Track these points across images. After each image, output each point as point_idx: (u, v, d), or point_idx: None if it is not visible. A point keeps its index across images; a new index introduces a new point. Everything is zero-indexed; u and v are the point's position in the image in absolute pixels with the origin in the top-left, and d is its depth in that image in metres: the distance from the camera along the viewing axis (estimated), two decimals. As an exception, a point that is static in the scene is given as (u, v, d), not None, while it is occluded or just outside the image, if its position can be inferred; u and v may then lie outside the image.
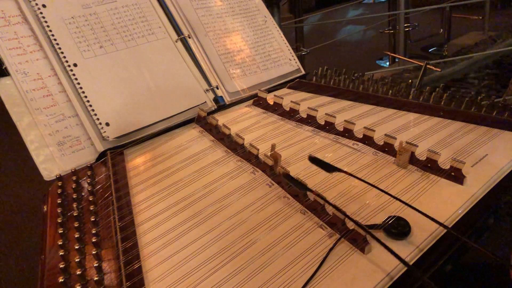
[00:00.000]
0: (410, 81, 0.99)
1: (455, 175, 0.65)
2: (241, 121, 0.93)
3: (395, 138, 0.73)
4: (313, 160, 0.65)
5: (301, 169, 0.72)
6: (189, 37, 1.04)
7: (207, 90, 1.00)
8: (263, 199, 0.66)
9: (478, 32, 2.44)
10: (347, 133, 0.80)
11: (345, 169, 0.69)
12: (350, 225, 0.57)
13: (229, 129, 0.83)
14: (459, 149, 0.72)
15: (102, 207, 0.70)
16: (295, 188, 0.65)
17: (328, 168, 0.64)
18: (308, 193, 0.63)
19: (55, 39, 0.88)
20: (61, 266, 0.57)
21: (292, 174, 0.68)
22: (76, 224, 0.66)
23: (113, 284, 0.55)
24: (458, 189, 0.63)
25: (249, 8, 1.17)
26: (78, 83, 0.87)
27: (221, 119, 0.91)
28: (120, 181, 0.76)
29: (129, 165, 0.82)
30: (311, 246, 0.55)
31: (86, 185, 0.76)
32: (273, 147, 0.75)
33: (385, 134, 0.74)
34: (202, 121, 0.93)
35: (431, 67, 1.22)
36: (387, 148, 0.74)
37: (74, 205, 0.71)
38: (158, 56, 0.98)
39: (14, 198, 2.17)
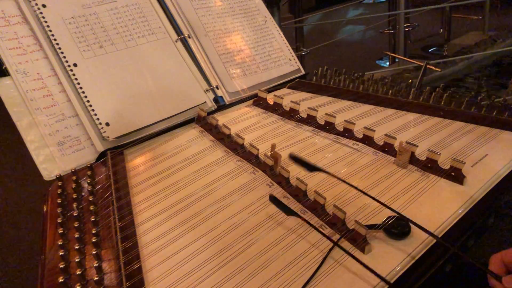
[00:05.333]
0: (410, 81, 0.99)
1: (455, 175, 0.65)
2: (241, 121, 0.93)
3: (395, 138, 0.73)
4: (294, 159, 0.63)
5: (301, 169, 0.72)
6: (189, 37, 1.04)
7: (207, 90, 1.00)
8: (263, 199, 0.66)
9: (478, 32, 2.44)
10: (347, 133, 0.80)
11: (344, 170, 0.69)
12: (350, 225, 0.57)
13: (229, 129, 0.83)
14: (459, 149, 0.72)
15: (102, 207, 0.70)
16: (294, 190, 0.65)
17: (309, 167, 0.62)
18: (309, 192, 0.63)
19: (55, 39, 0.88)
20: (61, 266, 0.57)
21: (292, 174, 0.68)
22: (76, 224, 0.66)
23: (113, 284, 0.55)
24: (458, 189, 0.63)
25: (249, 8, 1.17)
26: (78, 83, 0.87)
27: (221, 119, 0.91)
28: (120, 181, 0.76)
29: (129, 165, 0.82)
30: (311, 246, 0.55)
31: (86, 185, 0.76)
32: (273, 147, 0.75)
33: (385, 134, 0.74)
34: (202, 121, 0.93)
35: (431, 67, 1.22)
36: (387, 148, 0.74)
37: (74, 205, 0.71)
38: (158, 56, 0.98)
39: (14, 198, 2.17)
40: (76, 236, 0.63)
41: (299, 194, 0.64)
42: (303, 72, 1.15)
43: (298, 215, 0.59)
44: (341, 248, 0.53)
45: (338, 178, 0.61)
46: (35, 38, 0.87)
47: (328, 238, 0.54)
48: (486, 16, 2.42)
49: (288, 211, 0.59)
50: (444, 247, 0.53)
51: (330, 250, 0.54)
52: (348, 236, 0.56)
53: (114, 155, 0.84)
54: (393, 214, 0.57)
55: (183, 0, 1.07)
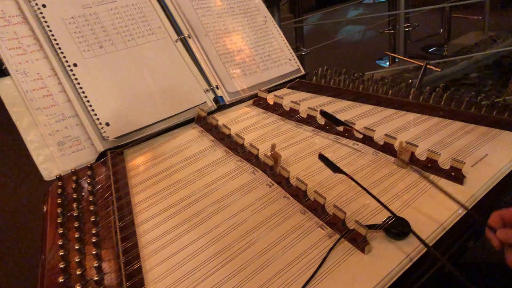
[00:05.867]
0: (410, 81, 0.99)
1: (455, 175, 0.65)
2: (241, 121, 0.93)
3: (395, 138, 0.73)
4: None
5: (301, 169, 0.72)
6: (189, 37, 1.04)
7: (207, 90, 1.00)
8: (263, 199, 0.66)
9: (478, 32, 2.44)
10: (347, 133, 0.80)
11: (344, 170, 0.69)
12: (350, 225, 0.57)
13: (229, 129, 0.83)
14: (459, 149, 0.72)
15: (102, 207, 0.70)
16: (295, 189, 0.65)
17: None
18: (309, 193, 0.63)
19: (55, 39, 0.88)
20: (61, 266, 0.57)
21: (292, 174, 0.68)
22: (76, 224, 0.66)
23: (113, 284, 0.55)
24: (458, 189, 0.63)
25: (249, 8, 1.17)
26: (78, 83, 0.87)
27: (221, 119, 0.91)
28: (120, 181, 0.76)
29: (129, 165, 0.82)
30: (311, 246, 0.55)
31: (86, 185, 0.76)
32: (273, 147, 0.75)
33: (385, 134, 0.74)
34: (202, 121, 0.93)
35: (431, 67, 1.22)
36: (387, 148, 0.74)
37: (74, 205, 0.71)
38: (158, 56, 0.98)
39: (14, 198, 2.17)
40: (76, 236, 0.63)
41: (299, 194, 0.64)
42: (303, 72, 1.15)
43: (345, 173, 0.63)
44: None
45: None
46: (35, 38, 0.87)
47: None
48: (486, 16, 2.42)
49: (335, 169, 0.65)
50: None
51: (335, 244, 0.54)
52: (348, 236, 0.56)
53: (114, 155, 0.84)
54: (395, 214, 0.57)
55: (183, 0, 1.07)
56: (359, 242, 0.54)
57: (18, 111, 0.82)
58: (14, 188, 2.26)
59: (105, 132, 0.86)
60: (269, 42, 1.15)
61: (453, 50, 2.31)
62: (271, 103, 0.97)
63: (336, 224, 0.58)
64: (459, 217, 0.58)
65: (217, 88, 1.01)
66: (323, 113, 0.67)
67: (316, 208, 0.61)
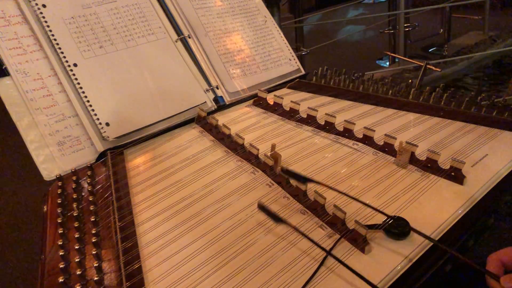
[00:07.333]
0: (410, 81, 0.99)
1: (455, 175, 0.65)
2: (241, 121, 0.93)
3: (395, 138, 0.73)
4: (287, 172, 0.65)
5: (301, 169, 0.72)
6: (189, 37, 1.04)
7: (207, 90, 1.00)
8: (263, 199, 0.65)
9: (478, 32, 2.44)
10: (347, 133, 0.80)
11: (344, 170, 0.69)
12: (350, 225, 0.57)
13: (229, 129, 0.83)
14: (459, 149, 0.72)
15: (102, 207, 0.70)
16: (296, 184, 0.65)
17: (303, 179, 0.63)
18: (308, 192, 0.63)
19: (55, 39, 0.88)
20: (61, 266, 0.57)
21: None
22: (76, 224, 0.66)
23: (113, 284, 0.55)
24: (458, 189, 0.63)
25: (249, 8, 1.17)
26: (78, 83, 0.87)
27: (221, 119, 0.91)
28: (120, 181, 0.76)
29: (129, 165, 0.82)
30: (311, 246, 0.55)
31: (86, 185, 0.76)
32: (273, 147, 0.75)
33: (385, 134, 0.74)
34: (202, 121, 0.93)
35: (431, 67, 1.22)
36: (387, 148, 0.74)
37: (74, 205, 0.71)
38: (158, 56, 0.98)
39: (14, 198, 2.17)
40: (76, 236, 0.63)
41: (299, 194, 0.64)
42: (303, 72, 1.15)
43: (287, 223, 0.58)
44: (334, 257, 0.52)
45: (331, 188, 0.61)
46: (35, 38, 0.87)
47: (320, 246, 0.54)
48: (486, 16, 2.42)
49: (277, 219, 0.59)
50: (443, 248, 0.53)
51: (335, 244, 0.54)
52: (348, 236, 0.56)
53: (114, 155, 0.84)
54: (395, 214, 0.57)
55: (183, 0, 1.07)
56: (359, 242, 0.54)
57: (18, 111, 0.82)
58: (14, 188, 2.26)
59: (105, 132, 0.86)
60: (269, 42, 1.15)
61: (453, 50, 2.31)
62: (271, 103, 0.97)
63: (336, 224, 0.58)
64: (459, 217, 0.58)
65: (217, 88, 1.01)
66: (286, 172, 0.64)
67: (316, 208, 0.61)
